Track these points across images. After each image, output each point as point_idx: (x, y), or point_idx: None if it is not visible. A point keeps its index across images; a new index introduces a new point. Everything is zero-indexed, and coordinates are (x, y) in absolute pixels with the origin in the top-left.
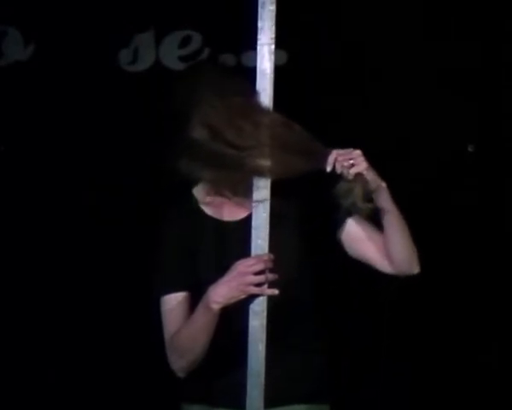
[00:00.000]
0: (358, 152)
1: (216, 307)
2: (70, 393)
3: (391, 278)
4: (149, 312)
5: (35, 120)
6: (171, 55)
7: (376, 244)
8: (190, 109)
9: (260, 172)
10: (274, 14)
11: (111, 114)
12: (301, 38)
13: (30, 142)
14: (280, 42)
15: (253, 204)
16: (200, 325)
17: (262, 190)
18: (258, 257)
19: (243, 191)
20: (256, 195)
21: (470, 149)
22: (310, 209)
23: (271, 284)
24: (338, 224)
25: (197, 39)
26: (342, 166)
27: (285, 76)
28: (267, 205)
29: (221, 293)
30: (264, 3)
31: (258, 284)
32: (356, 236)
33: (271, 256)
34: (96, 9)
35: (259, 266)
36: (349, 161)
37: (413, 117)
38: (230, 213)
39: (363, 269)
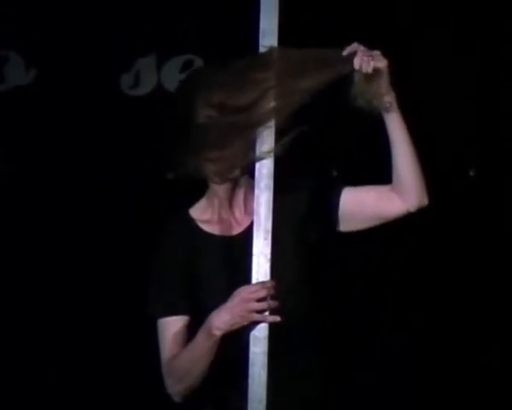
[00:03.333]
0: (378, 51)
1: (218, 333)
2: (68, 394)
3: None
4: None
5: (37, 145)
6: (173, 79)
7: (378, 193)
8: (192, 103)
9: (268, 119)
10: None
11: (112, 138)
12: None
13: (32, 162)
14: None
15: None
16: (201, 350)
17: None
18: (262, 284)
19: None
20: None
21: (471, 173)
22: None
23: (273, 310)
24: (334, 205)
25: (198, 63)
26: (362, 60)
27: None
28: (269, 232)
29: (224, 319)
30: (264, 33)
31: (261, 311)
32: (356, 199)
33: (273, 283)
34: (97, 34)
35: (262, 293)
36: (369, 57)
37: (412, 119)
38: (229, 228)
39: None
